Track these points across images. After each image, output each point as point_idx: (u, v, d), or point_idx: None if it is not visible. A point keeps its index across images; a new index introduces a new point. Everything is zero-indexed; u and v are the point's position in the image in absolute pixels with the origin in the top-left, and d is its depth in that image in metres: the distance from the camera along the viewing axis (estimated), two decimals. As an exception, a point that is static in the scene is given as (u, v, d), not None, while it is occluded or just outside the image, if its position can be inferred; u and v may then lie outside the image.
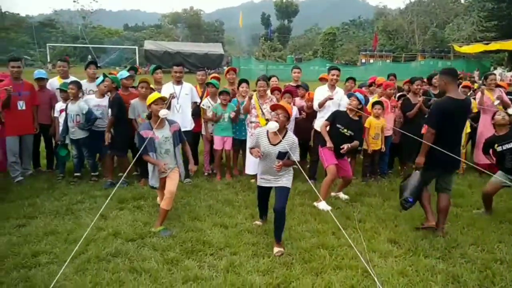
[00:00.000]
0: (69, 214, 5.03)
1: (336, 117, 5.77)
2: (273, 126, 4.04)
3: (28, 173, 6.61)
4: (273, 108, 4.33)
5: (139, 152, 4.47)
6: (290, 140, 4.22)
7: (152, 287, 3.43)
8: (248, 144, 6.63)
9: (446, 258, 4.03)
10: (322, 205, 5.36)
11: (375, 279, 3.37)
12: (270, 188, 4.47)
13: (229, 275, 3.66)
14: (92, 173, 6.52)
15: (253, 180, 6.66)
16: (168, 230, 4.54)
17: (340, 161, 5.70)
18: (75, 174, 6.49)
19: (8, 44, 45.55)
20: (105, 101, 6.41)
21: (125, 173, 5.22)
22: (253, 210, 5.30)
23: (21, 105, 6.23)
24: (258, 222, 4.86)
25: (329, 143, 5.61)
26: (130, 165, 5.26)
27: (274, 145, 4.21)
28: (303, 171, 4.10)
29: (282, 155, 4.20)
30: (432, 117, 4.44)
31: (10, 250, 4.05)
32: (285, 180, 4.32)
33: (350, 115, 5.73)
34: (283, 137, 4.20)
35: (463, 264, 3.92)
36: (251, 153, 4.37)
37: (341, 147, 5.55)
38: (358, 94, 5.87)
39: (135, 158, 4.68)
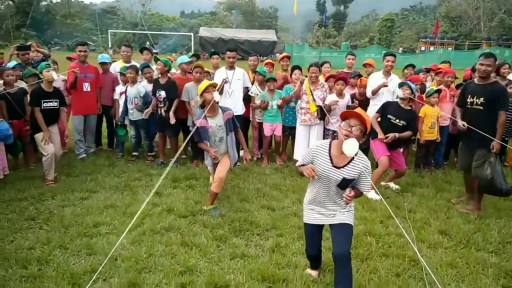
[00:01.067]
0: (127, 190, 5.36)
1: (386, 108, 5.60)
2: (352, 146, 2.73)
3: (90, 151, 7.08)
4: (345, 116, 2.98)
5: (187, 138, 4.58)
6: (362, 164, 2.95)
7: (202, 260, 3.61)
8: (300, 159, 6.67)
9: (500, 253, 3.88)
10: (372, 194, 5.30)
11: (425, 266, 3.33)
12: (322, 226, 3.26)
13: (275, 255, 3.76)
14: (149, 153, 6.87)
15: (301, 166, 6.69)
16: (217, 210, 4.72)
17: (393, 153, 5.54)
18: (133, 153, 6.87)
19: (73, 30, 48.36)
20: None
21: (175, 156, 5.43)
22: (300, 195, 5.35)
23: (86, 86, 6.67)
24: (311, 272, 3.47)
25: (380, 135, 5.47)
26: (180, 149, 5.48)
27: (338, 168, 2.96)
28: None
29: (345, 183, 2.98)
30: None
31: (74, 220, 4.41)
32: (346, 215, 3.09)
33: (402, 105, 5.55)
34: (351, 160, 2.95)
35: (519, 260, 3.76)
36: (300, 173, 3.08)
37: (385, 136, 5.41)
38: (410, 83, 5.69)
39: (185, 142, 4.77)
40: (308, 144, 6.61)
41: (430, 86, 7.25)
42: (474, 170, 4.74)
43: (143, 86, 6.58)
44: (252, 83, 6.94)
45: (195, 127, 4.53)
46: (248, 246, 3.96)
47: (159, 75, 6.50)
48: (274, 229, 4.32)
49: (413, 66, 7.45)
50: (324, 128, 6.62)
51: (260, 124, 6.95)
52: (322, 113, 6.32)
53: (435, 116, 6.37)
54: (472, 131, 4.59)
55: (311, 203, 3.20)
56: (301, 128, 6.63)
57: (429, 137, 6.40)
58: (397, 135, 5.38)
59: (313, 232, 3.26)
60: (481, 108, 4.71)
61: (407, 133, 5.49)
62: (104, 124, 7.52)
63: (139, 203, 4.87)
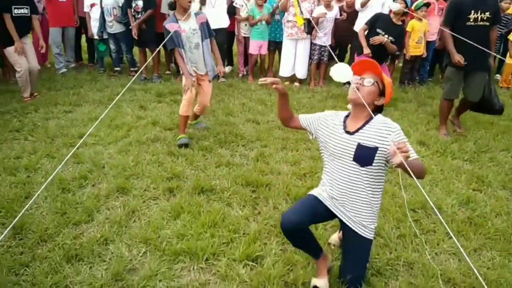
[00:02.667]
0: (111, 104, 5.31)
1: (376, 21, 5.32)
2: (341, 69, 2.14)
3: (71, 65, 6.89)
4: (359, 68, 2.24)
5: (152, 48, 4.29)
6: (385, 128, 2.11)
7: (188, 168, 3.72)
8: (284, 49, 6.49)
9: (474, 161, 4.07)
10: None
11: (400, 172, 3.49)
12: (330, 212, 2.29)
13: (259, 163, 3.88)
14: (131, 68, 6.71)
15: (287, 83, 6.68)
16: (202, 123, 4.75)
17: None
18: (115, 68, 6.71)
19: None
20: None
21: (143, 65, 5.31)
22: (285, 109, 5.40)
23: (61, -4, 6.30)
24: (317, 282, 2.29)
25: (365, 49, 5.30)
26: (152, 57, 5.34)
27: (351, 133, 2.17)
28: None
29: (364, 156, 2.12)
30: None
31: (59, 131, 4.42)
32: (365, 217, 2.23)
33: (393, 19, 5.34)
34: (366, 122, 2.15)
35: (490, 167, 3.96)
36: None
37: (371, 39, 5.22)
38: None
39: (156, 50, 4.50)
40: (295, 59, 6.53)
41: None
42: (477, 92, 4.48)
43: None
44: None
45: (166, 30, 4.00)
46: (233, 155, 4.06)
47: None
48: (258, 141, 4.41)
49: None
50: (311, 43, 6.48)
51: (246, 38, 6.76)
52: (310, 26, 6.16)
53: (422, 31, 6.27)
54: (474, 52, 4.01)
55: (325, 187, 2.32)
56: (288, 43, 6.49)
57: (415, 52, 6.36)
58: (384, 39, 5.17)
59: (313, 204, 2.27)
60: (487, 24, 4.28)
61: (393, 46, 5.29)
62: (83, 38, 7.22)
63: (124, 116, 4.87)
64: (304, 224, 2.18)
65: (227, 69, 7.28)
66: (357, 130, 2.14)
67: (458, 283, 2.43)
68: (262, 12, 6.38)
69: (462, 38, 3.97)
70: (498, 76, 7.03)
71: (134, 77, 3.50)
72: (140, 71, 5.43)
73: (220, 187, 3.40)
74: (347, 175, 2.18)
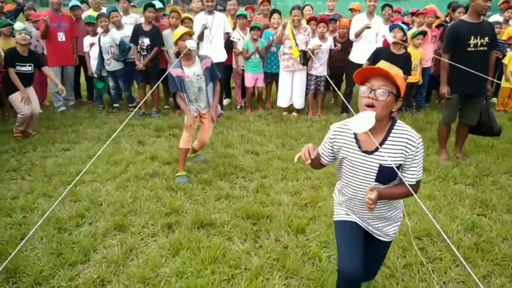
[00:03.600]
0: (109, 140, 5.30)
1: (377, 57, 5.16)
2: (362, 119, 1.82)
3: (70, 103, 6.93)
4: (363, 76, 1.89)
5: (153, 84, 4.22)
6: (404, 139, 1.89)
7: (187, 202, 3.66)
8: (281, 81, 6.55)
9: (477, 185, 4.01)
10: None
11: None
12: (362, 230, 2.16)
13: (259, 194, 3.83)
14: (130, 104, 6.76)
15: (285, 113, 6.70)
16: (201, 156, 4.73)
17: None
18: (114, 105, 6.75)
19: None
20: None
21: (140, 100, 5.33)
22: (284, 139, 5.40)
23: (61, 36, 6.43)
24: None
25: None
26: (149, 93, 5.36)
27: (369, 153, 1.95)
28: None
29: (387, 176, 1.94)
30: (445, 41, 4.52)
31: (57, 169, 4.38)
32: (390, 227, 2.15)
33: (394, 50, 5.31)
34: (385, 137, 1.91)
35: (493, 190, 3.90)
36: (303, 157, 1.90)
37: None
38: (401, 24, 5.56)
39: (152, 89, 4.49)
40: (292, 90, 6.58)
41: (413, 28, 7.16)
42: (474, 116, 4.50)
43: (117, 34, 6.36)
44: (233, 29, 6.75)
45: (170, 75, 4.03)
46: (232, 188, 4.01)
47: (137, 21, 6.28)
48: (258, 172, 4.37)
49: (390, 6, 7.25)
50: (307, 74, 6.55)
51: (244, 71, 6.84)
52: (305, 58, 6.24)
53: (418, 58, 6.34)
54: (474, 77, 4.01)
55: (345, 205, 2.18)
56: (284, 74, 6.55)
57: (411, 79, 6.39)
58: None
59: (352, 230, 2.12)
60: (486, 48, 4.31)
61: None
62: (83, 76, 7.31)
63: (122, 152, 4.86)
64: (362, 270, 2.01)
65: (225, 101, 7.32)
66: (376, 149, 1.90)
67: (469, 313, 2.34)
68: (256, 46, 6.49)
69: (460, 66, 4.03)
70: (494, 99, 7.06)
71: (133, 112, 3.46)
72: (139, 105, 5.46)
73: (220, 221, 3.34)
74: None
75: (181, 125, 5.85)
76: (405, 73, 5.16)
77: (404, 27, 5.41)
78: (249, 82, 6.69)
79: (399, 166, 1.91)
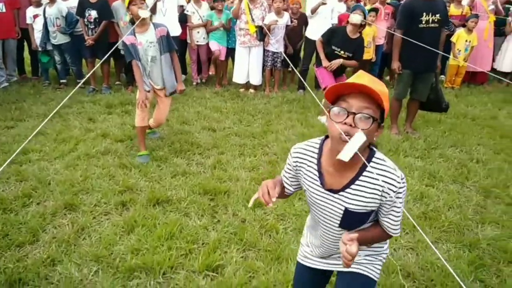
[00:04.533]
0: (57, 117, 5.04)
1: (331, 36, 4.99)
2: (350, 150, 1.28)
3: (13, 79, 6.50)
4: (337, 92, 1.36)
5: (106, 55, 4.03)
6: (379, 184, 1.39)
7: (142, 180, 3.56)
8: (237, 56, 6.47)
9: (425, 158, 4.20)
10: (324, 119, 5.27)
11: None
12: (328, 272, 1.79)
13: (216, 170, 3.79)
14: (78, 80, 6.42)
15: (242, 90, 6.64)
16: (157, 133, 4.60)
17: (337, 79, 5.09)
18: (61, 81, 6.40)
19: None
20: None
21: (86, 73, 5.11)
22: (241, 116, 5.36)
23: (1, 7, 5.94)
24: None
25: (324, 62, 5.02)
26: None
27: (335, 192, 1.47)
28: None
29: (354, 221, 1.50)
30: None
31: None
32: (363, 261, 1.63)
33: (349, 34, 4.90)
34: (358, 175, 1.42)
35: (441, 162, 4.09)
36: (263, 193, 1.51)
37: (329, 64, 4.97)
38: (362, 6, 5.51)
39: (102, 60, 4.32)
40: (248, 66, 6.50)
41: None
42: (424, 92, 4.65)
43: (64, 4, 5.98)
44: (188, 1, 6.53)
45: (123, 43, 3.84)
46: (189, 164, 3.95)
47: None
48: (215, 148, 4.32)
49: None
50: (264, 50, 6.50)
51: (199, 46, 6.67)
52: (262, 33, 6.17)
53: (371, 36, 6.45)
54: (425, 54, 4.21)
55: (307, 244, 1.76)
56: (241, 50, 6.45)
57: (365, 56, 6.50)
58: (341, 61, 4.96)
59: (310, 278, 1.80)
60: (437, 25, 4.43)
61: (352, 62, 5.09)
62: (27, 50, 6.85)
63: (71, 130, 4.63)
64: None
65: (180, 78, 7.14)
66: (343, 188, 1.43)
67: (418, 277, 2.46)
68: (220, 18, 6.34)
69: (412, 41, 4.11)
70: (442, 77, 7.36)
71: (78, 86, 3.30)
72: (83, 80, 5.20)
73: (177, 197, 3.28)
74: (335, 237, 1.56)
75: (134, 102, 5.64)
76: (356, 58, 5.02)
77: (365, 9, 5.21)
78: (214, 47, 6.52)
79: (371, 212, 1.46)
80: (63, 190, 3.31)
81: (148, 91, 3.93)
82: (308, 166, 1.51)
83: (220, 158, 4.06)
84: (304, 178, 1.54)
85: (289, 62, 5.70)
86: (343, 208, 1.46)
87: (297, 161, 1.54)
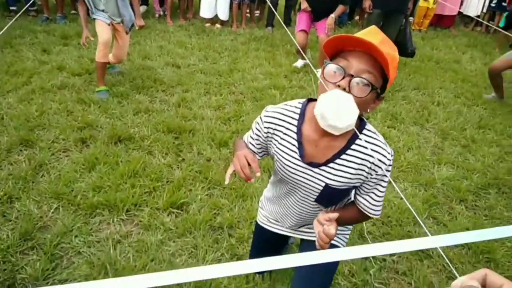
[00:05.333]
0: (8, 48, 4.67)
1: None
2: (332, 105, 1.08)
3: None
4: (339, 44, 1.12)
5: None
6: (367, 159, 1.22)
7: (102, 116, 3.42)
8: None
9: (389, 100, 4.26)
10: (300, 64, 5.00)
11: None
12: (286, 237, 1.76)
13: (181, 109, 3.69)
14: (30, 8, 5.91)
15: (208, 24, 6.36)
16: (117, 67, 4.37)
17: (318, 24, 4.66)
18: (11, 8, 5.86)
19: None
20: None
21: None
22: (206, 52, 5.17)
23: None
24: None
25: (303, 4, 4.64)
26: None
27: (316, 166, 1.26)
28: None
29: (333, 196, 1.34)
30: None
31: None
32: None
33: None
34: (345, 147, 1.22)
35: (403, 105, 4.18)
36: (235, 162, 1.20)
37: (305, 6, 4.57)
38: None
39: None
40: (216, 0, 6.18)
41: None
42: (393, 33, 4.57)
43: None
44: None
45: None
46: (152, 102, 3.82)
47: None
48: (179, 85, 4.18)
49: None
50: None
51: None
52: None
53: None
54: None
55: (270, 211, 1.62)
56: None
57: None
58: (332, 16, 4.47)
59: (268, 239, 1.72)
60: None
61: (340, 10, 4.56)
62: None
63: (24, 61, 4.31)
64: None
65: (142, 9, 6.72)
66: (327, 162, 1.24)
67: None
68: None
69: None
70: (411, 19, 7.33)
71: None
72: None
73: (140, 135, 3.19)
74: (308, 211, 1.43)
75: (92, 33, 5.30)
76: (343, 3, 4.51)
77: None
78: None
79: (352, 188, 1.31)
80: (17, 125, 3.13)
81: (109, 25, 3.65)
82: (284, 134, 1.28)
83: (185, 96, 3.95)
84: (278, 148, 1.30)
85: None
86: (323, 184, 1.27)
87: (269, 127, 1.30)
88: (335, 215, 1.23)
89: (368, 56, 1.07)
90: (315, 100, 1.21)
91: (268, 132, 1.31)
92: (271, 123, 1.30)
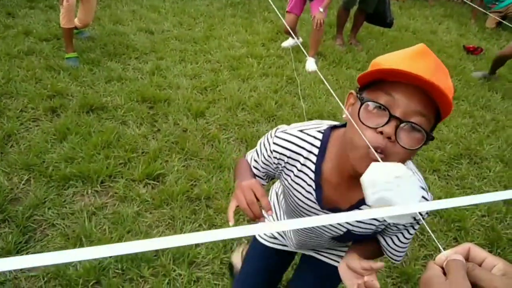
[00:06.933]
0: (-33, 9, 4.38)
1: None
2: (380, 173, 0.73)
3: None
4: (379, 74, 0.85)
5: None
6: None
7: (73, 84, 3.29)
8: None
9: (365, 69, 4.26)
10: (289, 44, 4.55)
11: (298, 83, 3.53)
12: (291, 255, 1.48)
13: (155, 77, 3.59)
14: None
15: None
16: (86, 32, 4.18)
17: (314, 3, 4.15)
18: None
19: None
20: None
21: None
22: (181, 18, 5.00)
23: None
24: None
25: None
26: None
27: (334, 211, 1.02)
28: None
29: (352, 238, 1.16)
30: None
31: None
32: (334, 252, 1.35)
33: None
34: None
35: (380, 75, 4.19)
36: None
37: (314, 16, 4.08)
38: None
39: None
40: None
41: None
42: (372, 2, 4.55)
43: None
44: None
45: None
46: (125, 69, 3.69)
47: None
48: (153, 52, 4.05)
49: None
50: None
51: None
52: None
53: None
54: None
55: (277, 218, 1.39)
56: None
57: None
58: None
59: (266, 256, 1.43)
60: None
61: None
62: None
63: (-14, 24, 4.07)
64: None
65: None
66: (350, 209, 1.01)
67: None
68: None
69: None
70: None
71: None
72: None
73: (113, 104, 3.10)
74: (319, 242, 1.22)
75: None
76: None
77: None
78: None
79: (373, 233, 1.10)
80: (-18, 94, 2.99)
81: None
82: (299, 171, 1.03)
83: (159, 63, 3.83)
84: (290, 185, 1.07)
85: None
86: (344, 230, 1.06)
87: (281, 159, 1.04)
88: (379, 265, 0.96)
89: (419, 91, 0.78)
90: (339, 127, 1.01)
91: (278, 164, 1.06)
92: (283, 154, 1.03)
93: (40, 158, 2.44)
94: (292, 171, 1.04)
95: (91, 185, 2.31)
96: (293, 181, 1.05)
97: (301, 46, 2.29)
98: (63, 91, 3.14)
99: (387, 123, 0.78)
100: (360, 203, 0.98)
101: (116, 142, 2.67)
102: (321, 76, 1.86)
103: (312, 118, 3.28)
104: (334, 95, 1.54)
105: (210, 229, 2.16)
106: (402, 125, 0.79)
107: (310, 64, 4.09)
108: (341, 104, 0.95)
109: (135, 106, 3.11)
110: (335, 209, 1.01)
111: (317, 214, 1.04)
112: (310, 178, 1.02)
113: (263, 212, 0.95)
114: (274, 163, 1.06)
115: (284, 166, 1.05)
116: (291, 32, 3.49)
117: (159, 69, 3.73)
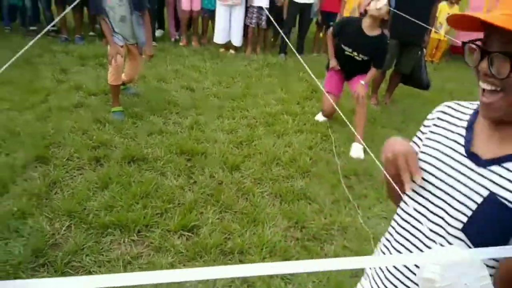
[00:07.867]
0: (28, 66, 4.78)
1: (341, 31, 3.84)
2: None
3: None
4: (461, 23, 0.88)
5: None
6: None
7: (116, 136, 3.46)
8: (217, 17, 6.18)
9: (402, 130, 4.24)
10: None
11: (333, 140, 3.56)
12: None
13: (194, 131, 3.72)
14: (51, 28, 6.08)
15: (222, 50, 6.48)
16: (132, 89, 4.45)
17: (350, 82, 4.04)
18: (31, 28, 6.04)
19: None
20: None
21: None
22: (220, 77, 5.25)
23: None
24: None
25: (331, 61, 4.02)
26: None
27: (482, 163, 0.87)
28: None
29: (491, 223, 0.82)
30: None
31: (-36, 95, 3.89)
32: None
33: (365, 29, 3.66)
34: None
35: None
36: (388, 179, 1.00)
37: (335, 64, 4.00)
38: None
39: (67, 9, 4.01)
40: (230, 26, 6.31)
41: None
42: (408, 65, 4.71)
43: None
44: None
45: None
46: (166, 123, 3.86)
47: None
48: (193, 108, 4.23)
49: None
50: (247, 8, 6.30)
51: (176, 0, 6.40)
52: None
53: (357, 1, 6.35)
54: (414, 26, 4.19)
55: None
56: (222, 9, 6.25)
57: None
58: (363, 83, 3.85)
59: None
60: None
61: (372, 73, 3.91)
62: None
63: (42, 80, 4.41)
64: None
65: (158, 33, 6.88)
66: (500, 160, 0.85)
67: (388, 244, 2.54)
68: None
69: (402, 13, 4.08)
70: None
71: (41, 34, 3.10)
72: (50, 26, 4.92)
73: (153, 156, 3.21)
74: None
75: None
76: (376, 63, 3.86)
77: None
78: (185, 4, 6.28)
79: None
80: (33, 142, 3.18)
81: (122, 46, 3.73)
82: (451, 124, 0.98)
83: (198, 118, 3.99)
84: (434, 141, 0.98)
85: (272, 19, 5.43)
86: (486, 192, 0.84)
87: (436, 118, 1.01)
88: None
89: (502, 31, 0.76)
90: None
91: (429, 126, 1.03)
92: (441, 112, 1.01)
93: (81, 205, 2.53)
94: (443, 128, 1.00)
95: (128, 234, 2.35)
96: (441, 135, 0.98)
97: (338, 111, 2.35)
98: (107, 142, 3.30)
99: (481, 60, 0.84)
100: (506, 156, 0.84)
101: (154, 192, 2.74)
102: (358, 136, 1.89)
103: (347, 175, 3.27)
104: (370, 152, 1.56)
105: (242, 285, 2.12)
106: (492, 55, 0.81)
107: (357, 151, 3.65)
108: (377, 161, 0.96)
109: (174, 158, 3.21)
110: (479, 158, 0.88)
111: (456, 168, 0.91)
112: (462, 127, 0.95)
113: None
114: (426, 127, 1.04)
115: (437, 126, 1.01)
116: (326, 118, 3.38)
117: (198, 124, 3.87)
